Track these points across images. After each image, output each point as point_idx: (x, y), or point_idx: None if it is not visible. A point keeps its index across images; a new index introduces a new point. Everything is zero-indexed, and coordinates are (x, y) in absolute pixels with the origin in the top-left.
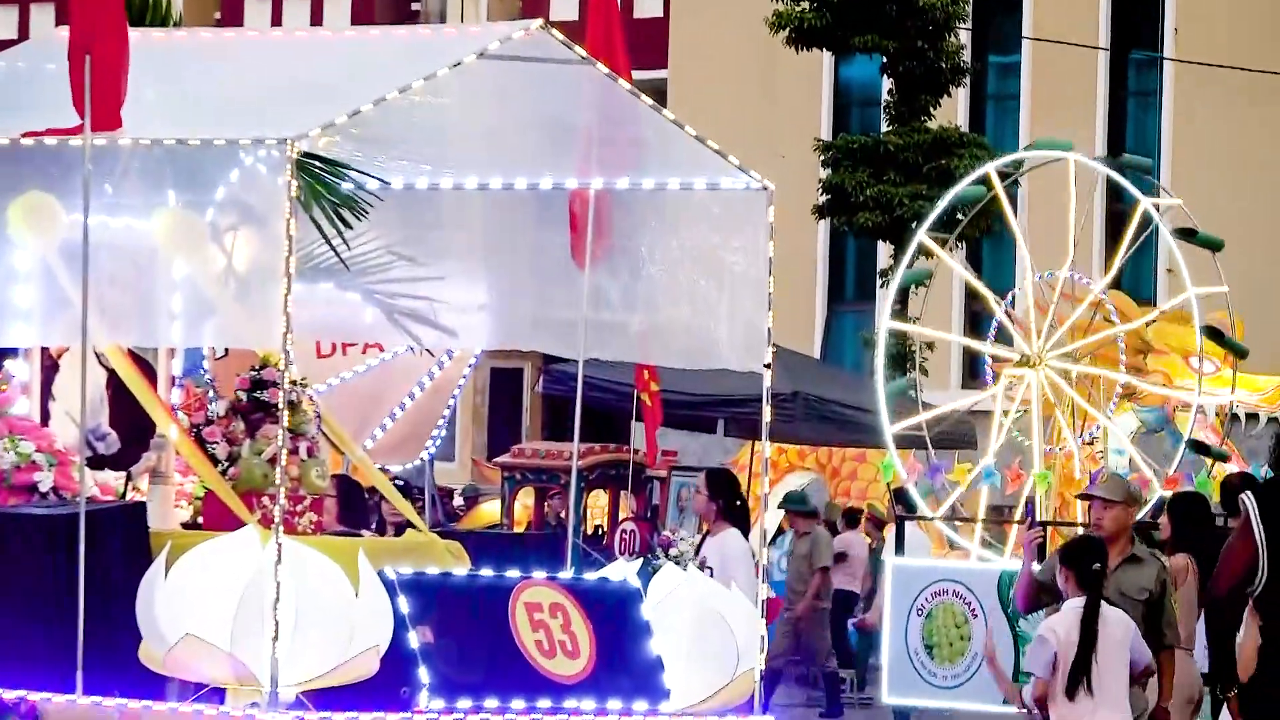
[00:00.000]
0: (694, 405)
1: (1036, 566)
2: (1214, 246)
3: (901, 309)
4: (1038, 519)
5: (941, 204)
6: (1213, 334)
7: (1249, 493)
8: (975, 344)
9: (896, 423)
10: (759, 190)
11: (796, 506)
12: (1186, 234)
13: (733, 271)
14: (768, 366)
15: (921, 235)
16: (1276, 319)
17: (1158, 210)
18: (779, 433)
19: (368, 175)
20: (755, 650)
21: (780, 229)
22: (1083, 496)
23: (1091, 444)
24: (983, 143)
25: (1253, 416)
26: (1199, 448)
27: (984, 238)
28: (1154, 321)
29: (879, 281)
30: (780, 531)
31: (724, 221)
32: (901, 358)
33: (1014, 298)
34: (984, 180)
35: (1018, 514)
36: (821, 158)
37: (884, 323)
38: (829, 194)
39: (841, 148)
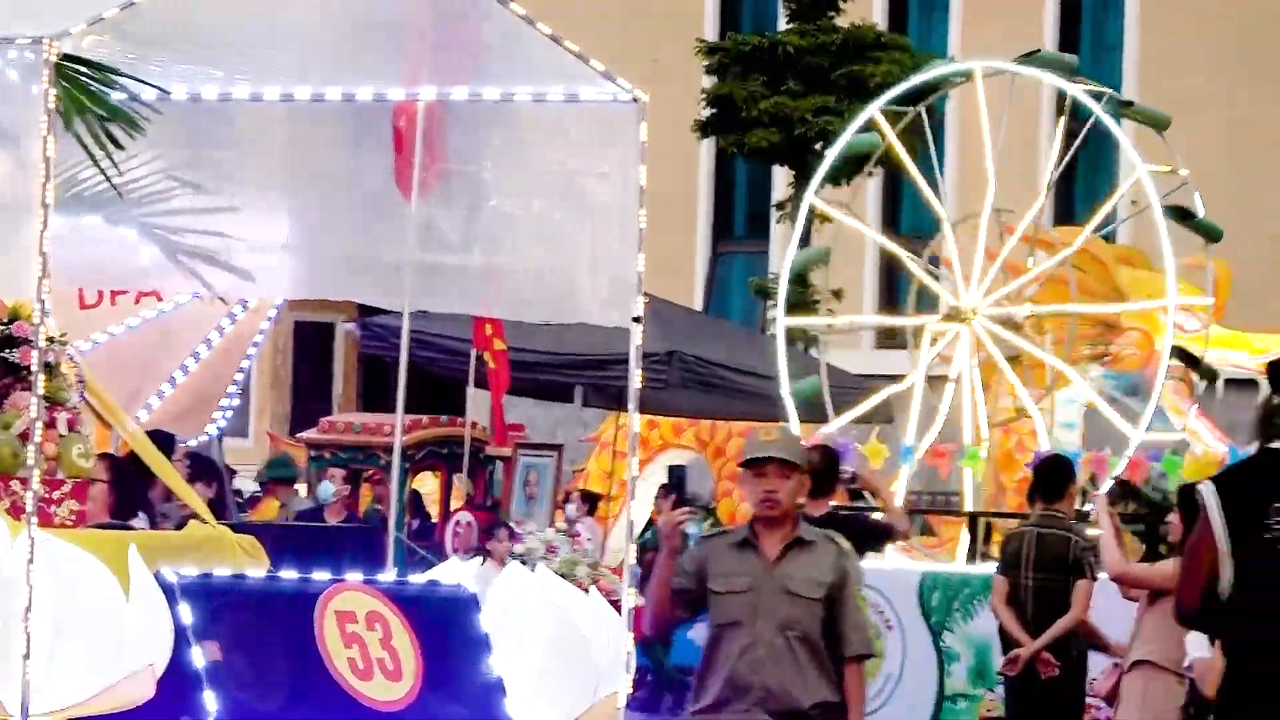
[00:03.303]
0: (546, 368)
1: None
2: (1159, 124)
3: (804, 241)
4: (686, 488)
5: (827, 161)
6: (1179, 214)
7: (1208, 481)
8: (891, 320)
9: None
10: (628, 103)
11: (278, 473)
12: (1123, 105)
13: (596, 203)
14: (637, 320)
15: (811, 198)
16: (1271, 261)
17: (1102, 104)
18: (651, 402)
19: (144, 83)
20: (620, 670)
21: (654, 150)
22: (750, 463)
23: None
24: (905, 45)
25: (1246, 383)
26: (1184, 356)
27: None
28: (1103, 236)
29: (775, 216)
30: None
31: (585, 141)
32: (803, 307)
33: (938, 246)
34: (874, 125)
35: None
36: (705, 63)
37: (790, 255)
38: (714, 107)
39: (730, 50)
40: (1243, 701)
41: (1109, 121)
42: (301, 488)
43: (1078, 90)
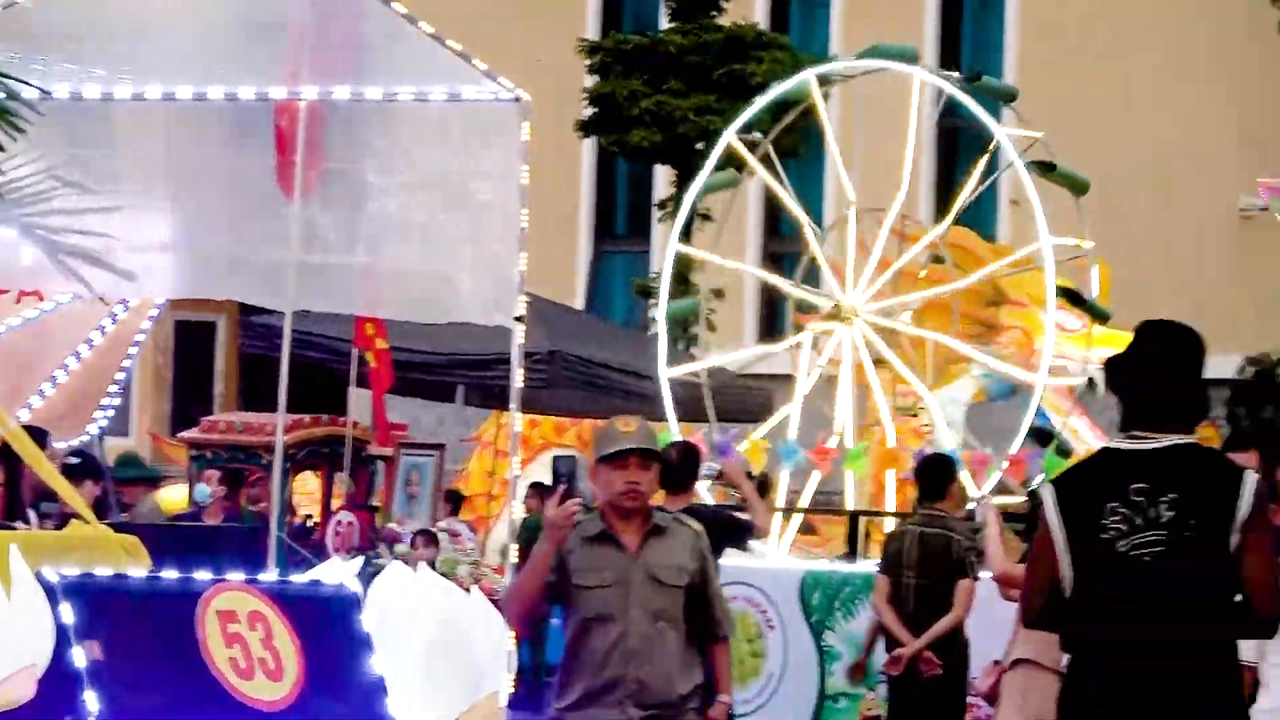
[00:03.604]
0: (428, 368)
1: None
2: (1078, 187)
3: (686, 240)
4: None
5: (758, 104)
6: (1069, 295)
7: (1047, 484)
8: (782, 282)
9: (675, 365)
10: (510, 102)
11: (123, 474)
12: (1044, 168)
13: (478, 202)
14: (520, 320)
15: (730, 136)
16: (1146, 263)
17: (1015, 146)
18: (532, 401)
19: (24, 82)
20: (501, 669)
21: (536, 150)
22: (611, 457)
23: (915, 416)
24: (785, 44)
25: None
26: (1042, 437)
27: (789, 160)
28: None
29: (656, 215)
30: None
31: (467, 141)
32: (683, 312)
33: (825, 237)
34: (804, 86)
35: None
36: (587, 62)
37: (671, 250)
38: (596, 107)
39: (612, 50)
40: (1086, 699)
41: (1025, 177)
42: (178, 489)
43: (1004, 136)
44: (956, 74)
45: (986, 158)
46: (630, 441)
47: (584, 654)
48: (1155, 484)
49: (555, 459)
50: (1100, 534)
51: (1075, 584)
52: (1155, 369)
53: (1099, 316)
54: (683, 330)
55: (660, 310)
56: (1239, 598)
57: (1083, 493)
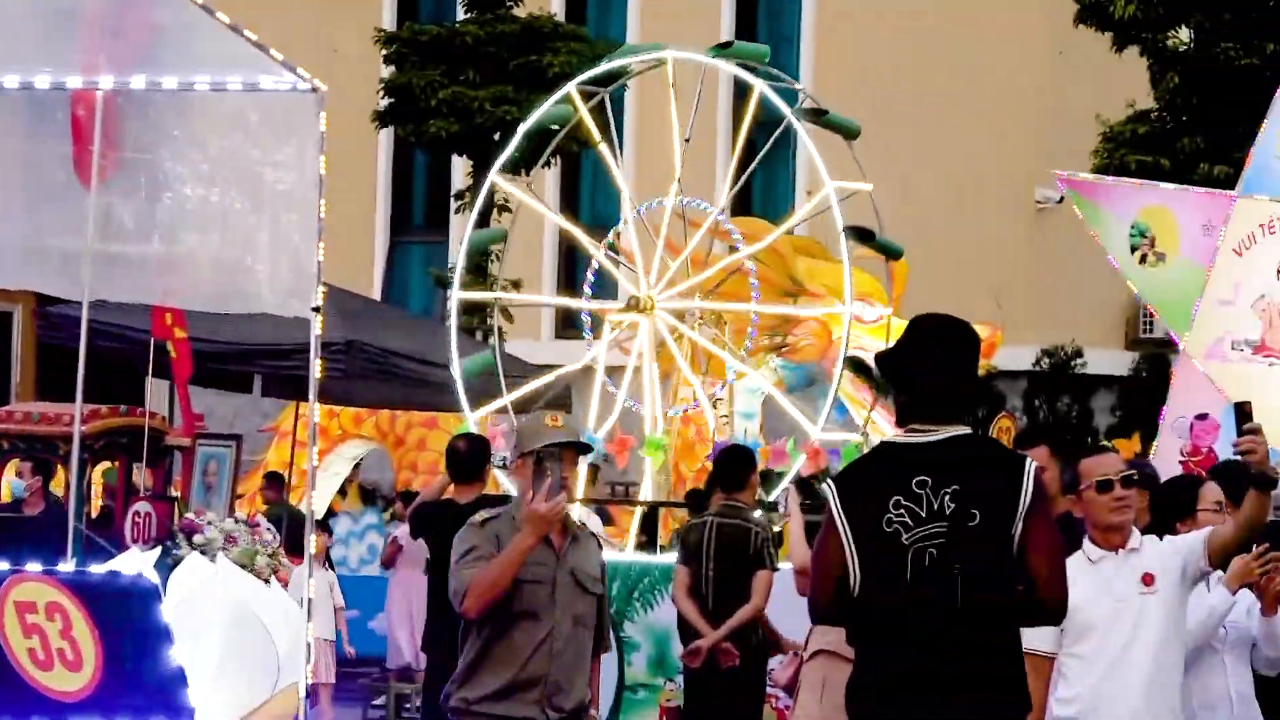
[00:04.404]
0: (224, 358)
1: None
2: (849, 133)
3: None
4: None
5: (517, 136)
6: (859, 234)
7: (829, 480)
8: (572, 302)
9: (480, 406)
10: (307, 92)
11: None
12: (815, 114)
13: (275, 192)
14: (317, 310)
15: (494, 176)
16: (944, 256)
17: (794, 104)
18: (330, 392)
19: None
20: (300, 661)
21: (334, 140)
22: (546, 450)
23: (715, 406)
24: (582, 35)
25: None
26: (858, 366)
27: (585, 150)
28: (790, 232)
29: (454, 206)
30: (332, 514)
31: (264, 131)
32: (480, 303)
33: (619, 233)
34: (568, 100)
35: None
36: (384, 52)
37: (466, 241)
38: (393, 97)
39: (408, 40)
40: (872, 692)
41: (800, 128)
42: None
43: (771, 92)
44: (710, 49)
45: (751, 113)
46: (560, 436)
47: (504, 648)
48: (937, 477)
49: (538, 451)
50: (885, 528)
51: (861, 579)
52: (929, 362)
53: (890, 253)
54: (484, 258)
55: (453, 300)
56: (1022, 587)
57: (865, 488)
